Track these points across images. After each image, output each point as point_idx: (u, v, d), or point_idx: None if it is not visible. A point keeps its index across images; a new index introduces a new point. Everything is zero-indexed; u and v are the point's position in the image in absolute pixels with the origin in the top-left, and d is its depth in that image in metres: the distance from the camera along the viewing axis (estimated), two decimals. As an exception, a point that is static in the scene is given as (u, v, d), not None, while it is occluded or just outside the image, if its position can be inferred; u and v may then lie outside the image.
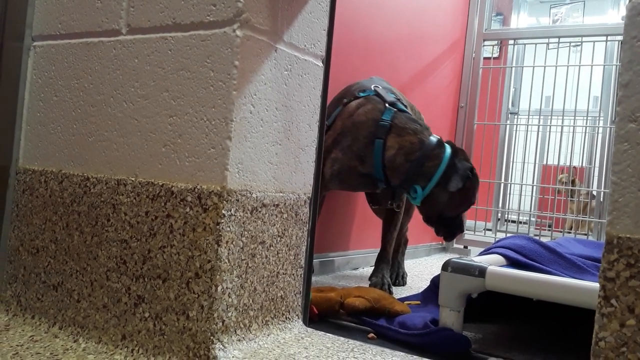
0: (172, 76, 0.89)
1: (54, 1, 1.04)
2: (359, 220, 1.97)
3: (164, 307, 0.85)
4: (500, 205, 2.89)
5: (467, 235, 2.68)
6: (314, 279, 1.60)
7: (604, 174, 2.76)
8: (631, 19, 0.63)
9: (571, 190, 3.04)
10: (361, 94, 1.49)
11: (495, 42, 2.84)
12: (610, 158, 2.54)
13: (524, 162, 2.78)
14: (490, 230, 2.89)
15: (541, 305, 1.30)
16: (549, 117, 2.71)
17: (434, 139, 1.42)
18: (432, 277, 1.32)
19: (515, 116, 3.04)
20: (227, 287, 0.83)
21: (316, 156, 1.04)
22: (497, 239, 1.67)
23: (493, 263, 1.04)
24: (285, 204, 0.96)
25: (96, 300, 0.93)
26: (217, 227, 0.81)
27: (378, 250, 1.60)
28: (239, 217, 0.85)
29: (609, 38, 2.48)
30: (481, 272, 0.99)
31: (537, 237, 1.27)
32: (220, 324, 0.82)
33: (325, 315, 1.14)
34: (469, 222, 2.67)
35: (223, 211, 0.82)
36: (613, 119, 2.71)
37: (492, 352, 1.02)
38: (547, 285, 0.93)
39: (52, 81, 1.04)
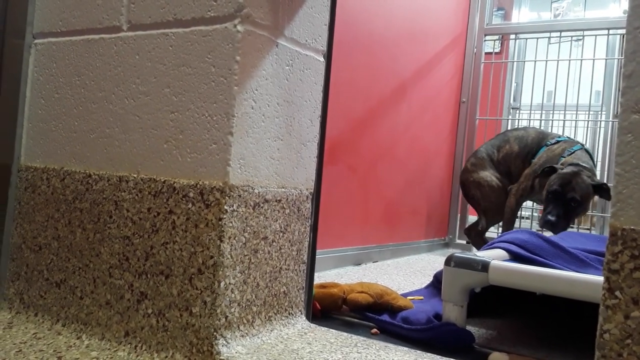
0: (174, 72, 0.88)
1: (54, -2, 1.04)
2: (362, 216, 1.97)
3: (166, 304, 0.85)
4: (502, 200, 2.87)
5: (470, 230, 2.67)
6: (316, 274, 1.59)
7: (606, 168, 2.75)
8: (634, 9, 0.62)
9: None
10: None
11: (497, 37, 2.83)
12: (613, 152, 2.53)
13: (526, 157, 2.77)
14: (492, 225, 2.88)
15: (545, 300, 1.30)
16: (551, 112, 2.70)
17: None
18: (434, 272, 1.32)
19: (517, 111, 3.03)
20: (230, 283, 0.83)
21: (318, 151, 1.04)
22: (499, 234, 1.66)
23: (496, 257, 1.04)
24: (287, 199, 0.95)
25: (99, 297, 0.93)
26: (220, 222, 0.81)
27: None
28: (241, 213, 0.85)
29: (611, 32, 2.48)
30: (484, 266, 0.98)
31: (540, 232, 1.27)
32: (224, 319, 0.82)
33: (328, 311, 1.14)
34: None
35: (225, 207, 0.81)
36: (615, 113, 2.70)
37: (496, 346, 1.02)
38: (550, 279, 0.93)
39: (53, 78, 1.04)
